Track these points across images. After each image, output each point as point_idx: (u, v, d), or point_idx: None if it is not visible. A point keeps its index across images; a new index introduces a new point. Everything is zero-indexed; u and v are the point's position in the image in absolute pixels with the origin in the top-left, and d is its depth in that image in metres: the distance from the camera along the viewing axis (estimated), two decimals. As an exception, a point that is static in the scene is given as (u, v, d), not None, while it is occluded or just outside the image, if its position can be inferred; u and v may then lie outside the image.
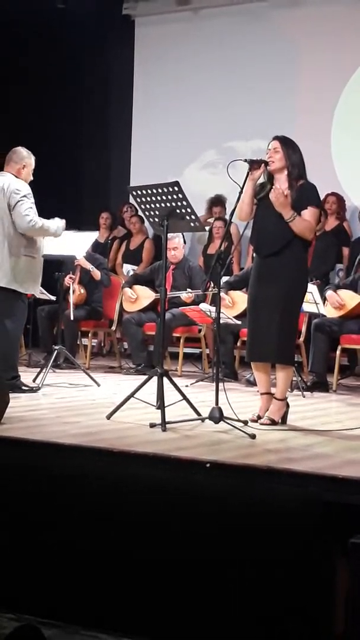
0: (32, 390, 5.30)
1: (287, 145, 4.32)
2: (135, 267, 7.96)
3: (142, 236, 8.27)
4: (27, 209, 5.01)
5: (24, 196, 5.04)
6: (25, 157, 5.23)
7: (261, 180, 4.39)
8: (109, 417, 4.27)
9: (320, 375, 6.10)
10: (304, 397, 5.67)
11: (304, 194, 4.30)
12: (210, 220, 7.93)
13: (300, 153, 4.34)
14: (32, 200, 5.10)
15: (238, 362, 6.82)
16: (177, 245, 6.80)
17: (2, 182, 5.12)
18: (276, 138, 4.36)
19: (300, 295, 4.47)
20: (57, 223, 5.24)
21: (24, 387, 5.25)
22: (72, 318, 6.60)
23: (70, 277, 6.86)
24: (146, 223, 7.12)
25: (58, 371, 6.33)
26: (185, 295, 6.57)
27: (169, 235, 6.67)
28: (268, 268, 4.35)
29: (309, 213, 4.29)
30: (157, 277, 6.89)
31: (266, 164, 4.31)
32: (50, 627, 3.09)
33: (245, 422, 4.15)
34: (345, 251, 7.51)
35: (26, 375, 5.91)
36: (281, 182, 4.33)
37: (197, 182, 8.52)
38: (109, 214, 8.58)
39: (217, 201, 8.10)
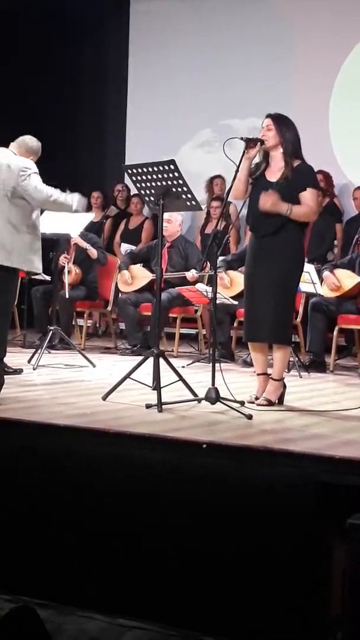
0: (16, 372, 5.22)
1: (280, 122, 4.29)
2: (133, 247, 7.92)
3: (142, 216, 8.24)
4: (40, 183, 4.79)
5: (34, 172, 4.84)
6: (36, 152, 4.99)
7: (257, 160, 4.36)
8: (104, 398, 4.25)
9: (318, 355, 6.09)
10: (301, 377, 5.66)
11: (301, 176, 4.28)
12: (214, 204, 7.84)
13: (295, 130, 4.30)
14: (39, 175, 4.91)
15: (235, 342, 6.80)
16: (170, 218, 6.66)
17: (4, 159, 4.88)
18: (269, 116, 4.33)
19: (297, 274, 4.44)
20: (76, 198, 4.90)
21: (6, 369, 5.18)
22: (67, 297, 6.56)
23: (65, 257, 6.82)
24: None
25: (53, 352, 6.31)
26: (190, 275, 6.53)
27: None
28: (264, 247, 4.33)
29: (308, 195, 4.26)
30: (153, 256, 6.84)
31: (262, 142, 4.27)
32: (45, 608, 3.07)
33: (242, 403, 4.14)
34: (338, 227, 7.52)
35: (21, 356, 5.90)
36: (277, 160, 4.31)
37: (193, 160, 8.46)
38: (100, 193, 8.52)
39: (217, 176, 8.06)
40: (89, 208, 8.18)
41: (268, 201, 4.21)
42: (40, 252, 4.93)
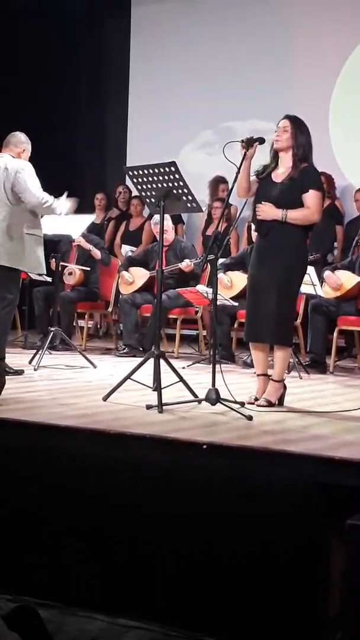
0: (17, 373, 5.24)
1: (296, 125, 4.32)
2: (134, 248, 7.93)
3: (142, 218, 8.25)
4: (35, 186, 4.88)
5: (29, 174, 4.92)
6: (24, 142, 5.13)
7: (267, 161, 4.41)
8: (105, 398, 4.26)
9: (319, 356, 6.10)
10: (301, 378, 5.67)
11: (306, 177, 4.31)
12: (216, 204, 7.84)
13: (308, 135, 4.34)
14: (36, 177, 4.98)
15: (235, 344, 6.81)
16: (166, 227, 6.78)
17: (2, 162, 4.95)
18: (287, 117, 4.36)
19: (299, 276, 4.47)
20: (62, 203, 5.05)
21: (8, 370, 5.19)
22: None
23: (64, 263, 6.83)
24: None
25: (54, 353, 6.32)
26: (184, 264, 6.56)
27: (155, 217, 6.71)
28: (266, 247, 4.36)
29: (310, 196, 4.29)
30: (150, 259, 6.89)
31: (261, 142, 4.28)
32: (47, 608, 3.09)
33: (242, 404, 4.15)
34: (339, 229, 7.53)
35: (22, 357, 5.91)
36: (285, 161, 4.35)
37: (193, 162, 8.47)
38: (103, 194, 8.54)
39: (223, 181, 8.04)
40: (91, 209, 8.22)
41: (261, 212, 4.30)
42: (36, 255, 4.94)
